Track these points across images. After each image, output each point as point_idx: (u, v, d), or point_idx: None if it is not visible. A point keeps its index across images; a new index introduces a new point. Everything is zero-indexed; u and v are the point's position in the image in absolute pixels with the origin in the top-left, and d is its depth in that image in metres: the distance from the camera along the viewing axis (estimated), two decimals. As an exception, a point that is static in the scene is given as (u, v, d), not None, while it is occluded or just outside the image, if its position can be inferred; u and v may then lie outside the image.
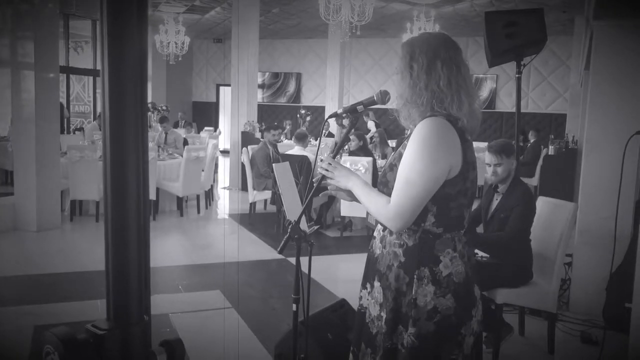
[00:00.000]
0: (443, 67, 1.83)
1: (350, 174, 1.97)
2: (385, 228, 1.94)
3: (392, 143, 10.03)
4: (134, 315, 0.73)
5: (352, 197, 2.02)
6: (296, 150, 7.58)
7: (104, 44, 0.69)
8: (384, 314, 1.90)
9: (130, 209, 0.71)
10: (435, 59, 1.84)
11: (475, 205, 3.82)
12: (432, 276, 1.82)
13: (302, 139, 7.65)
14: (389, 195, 1.84)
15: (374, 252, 2.00)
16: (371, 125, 13.34)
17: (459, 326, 1.84)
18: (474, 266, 1.93)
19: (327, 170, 1.99)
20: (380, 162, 7.36)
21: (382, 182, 1.95)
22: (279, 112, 16.83)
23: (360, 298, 2.05)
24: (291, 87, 16.85)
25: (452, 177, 1.80)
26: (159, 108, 12.03)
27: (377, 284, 1.95)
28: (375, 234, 2.03)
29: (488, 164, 3.60)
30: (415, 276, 1.83)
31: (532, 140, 10.62)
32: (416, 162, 1.77)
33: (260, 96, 15.24)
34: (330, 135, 12.61)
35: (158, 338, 0.80)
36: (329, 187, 2.04)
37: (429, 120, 1.80)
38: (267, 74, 16.85)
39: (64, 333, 0.67)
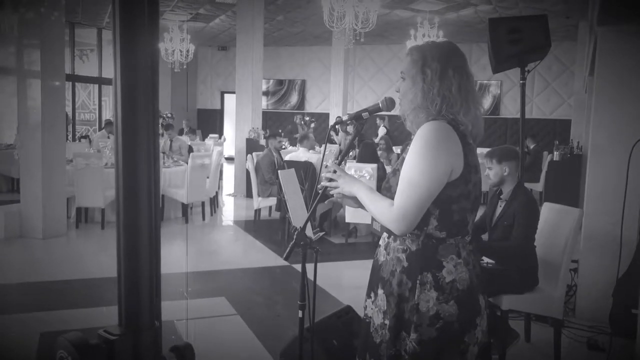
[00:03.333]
0: (455, 74, 1.86)
1: (355, 180, 1.98)
2: (389, 235, 1.95)
3: (397, 150, 10.03)
4: (145, 321, 0.74)
5: (357, 203, 2.02)
6: (301, 152, 7.59)
7: (116, 53, 0.70)
8: (387, 322, 1.90)
9: (142, 215, 0.72)
10: (447, 66, 1.86)
11: (481, 214, 3.85)
12: (435, 282, 1.81)
13: (302, 140, 7.67)
14: (393, 199, 1.85)
15: (378, 259, 2.00)
16: (382, 131, 13.36)
17: (462, 334, 1.83)
18: (479, 275, 1.91)
19: (331, 179, 2.00)
20: (388, 169, 7.36)
21: (385, 187, 1.96)
22: (284, 119, 16.87)
23: (365, 307, 2.05)
24: (295, 94, 16.89)
25: (454, 179, 1.80)
26: (164, 115, 12.08)
27: (380, 291, 1.95)
28: (380, 242, 2.03)
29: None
30: (417, 281, 1.83)
31: (531, 147, 10.61)
32: (418, 163, 1.79)
33: (264, 103, 15.28)
34: (332, 142, 12.61)
35: (164, 345, 0.81)
36: (335, 195, 2.05)
37: (430, 124, 1.82)
38: (272, 81, 16.90)
39: (77, 338, 0.68)
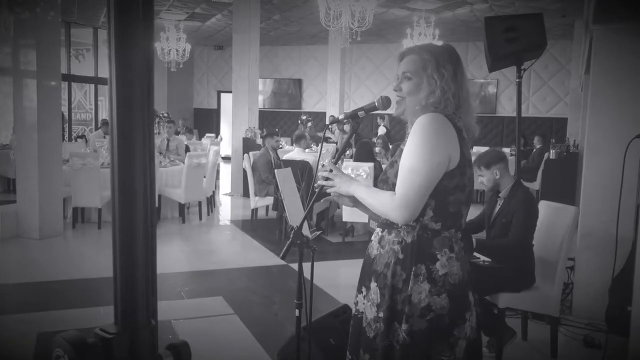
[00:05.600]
0: (463, 79, 1.93)
1: (351, 180, 1.99)
2: (383, 229, 1.96)
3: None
4: (141, 319, 0.74)
5: (354, 202, 2.03)
6: (296, 152, 7.59)
7: (112, 52, 0.70)
8: (381, 314, 1.92)
9: (137, 214, 0.72)
10: (457, 69, 1.92)
11: (478, 212, 3.87)
12: (428, 274, 1.85)
13: (298, 140, 7.67)
14: (390, 190, 1.88)
15: (370, 254, 2.03)
16: (382, 130, 13.38)
17: (451, 327, 1.86)
18: (470, 271, 1.95)
19: (327, 178, 2.00)
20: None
21: (382, 179, 1.98)
22: (280, 119, 16.87)
23: (356, 303, 2.06)
24: (292, 94, 16.88)
25: (451, 169, 1.84)
26: (160, 115, 12.06)
27: (373, 284, 1.96)
28: (372, 237, 2.05)
29: None
30: (412, 273, 1.85)
31: (538, 147, 10.59)
32: (418, 151, 1.81)
33: (261, 102, 15.26)
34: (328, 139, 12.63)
35: (161, 344, 0.81)
36: (332, 194, 2.06)
37: (428, 115, 1.86)
38: (268, 80, 16.89)
39: (73, 337, 0.69)
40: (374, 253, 2.00)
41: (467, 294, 1.91)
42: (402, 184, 1.83)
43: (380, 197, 1.88)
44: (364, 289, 2.02)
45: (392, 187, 1.88)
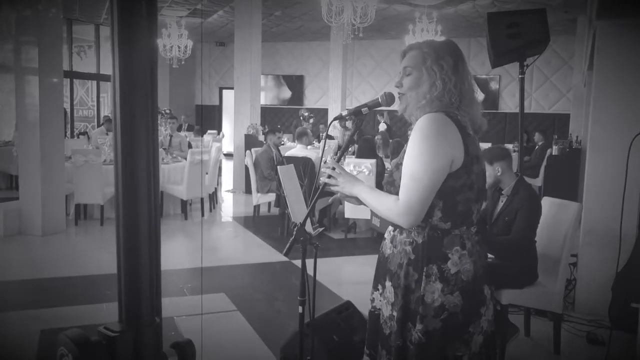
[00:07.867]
0: (463, 70, 1.91)
1: (355, 180, 1.98)
2: (395, 228, 1.97)
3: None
4: (145, 318, 0.74)
5: (359, 201, 2.03)
6: (298, 149, 7.59)
7: (115, 49, 0.70)
8: (395, 313, 1.92)
9: (141, 212, 0.72)
10: (458, 61, 1.91)
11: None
12: (440, 273, 1.84)
13: (300, 137, 7.66)
14: (397, 193, 1.87)
15: (384, 252, 2.03)
16: (382, 126, 13.38)
17: (466, 324, 1.86)
18: (485, 265, 1.94)
19: (330, 176, 1.99)
20: (386, 164, 7.35)
21: (389, 181, 1.98)
22: (282, 115, 16.86)
23: (373, 300, 2.07)
24: (294, 90, 16.86)
25: (455, 169, 1.83)
26: (162, 111, 12.06)
27: (388, 283, 1.97)
28: (385, 235, 2.05)
29: None
30: (423, 273, 1.85)
31: (539, 143, 10.57)
32: (418, 156, 1.81)
33: (263, 99, 15.25)
34: (330, 137, 12.61)
35: (164, 341, 0.81)
36: (338, 194, 2.05)
37: (427, 116, 1.85)
38: (270, 76, 16.87)
39: (77, 335, 0.68)
40: (387, 252, 2.00)
41: (482, 289, 1.91)
42: (404, 190, 1.83)
43: (385, 202, 1.88)
44: (379, 287, 2.03)
45: (399, 190, 1.87)
